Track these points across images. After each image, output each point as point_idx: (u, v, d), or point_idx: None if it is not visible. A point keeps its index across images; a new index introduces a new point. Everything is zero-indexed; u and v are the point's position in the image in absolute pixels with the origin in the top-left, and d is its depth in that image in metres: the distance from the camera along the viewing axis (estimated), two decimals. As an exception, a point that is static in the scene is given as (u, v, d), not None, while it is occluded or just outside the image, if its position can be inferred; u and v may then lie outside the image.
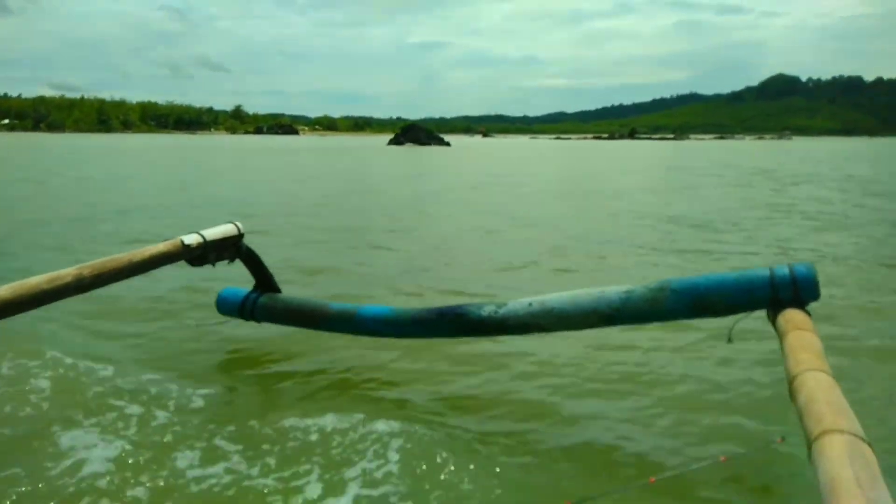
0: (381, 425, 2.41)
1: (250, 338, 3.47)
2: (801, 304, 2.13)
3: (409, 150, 45.14)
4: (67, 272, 2.30)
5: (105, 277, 2.47)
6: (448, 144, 56.23)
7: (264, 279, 3.32)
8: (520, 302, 2.58)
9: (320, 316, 3.10)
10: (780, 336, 1.98)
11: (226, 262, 3.14)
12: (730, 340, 2.37)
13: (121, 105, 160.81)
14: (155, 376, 2.91)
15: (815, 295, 2.15)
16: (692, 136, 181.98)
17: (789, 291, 2.13)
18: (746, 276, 2.26)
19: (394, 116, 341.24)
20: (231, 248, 3.10)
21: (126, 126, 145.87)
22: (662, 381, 2.97)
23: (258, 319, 3.28)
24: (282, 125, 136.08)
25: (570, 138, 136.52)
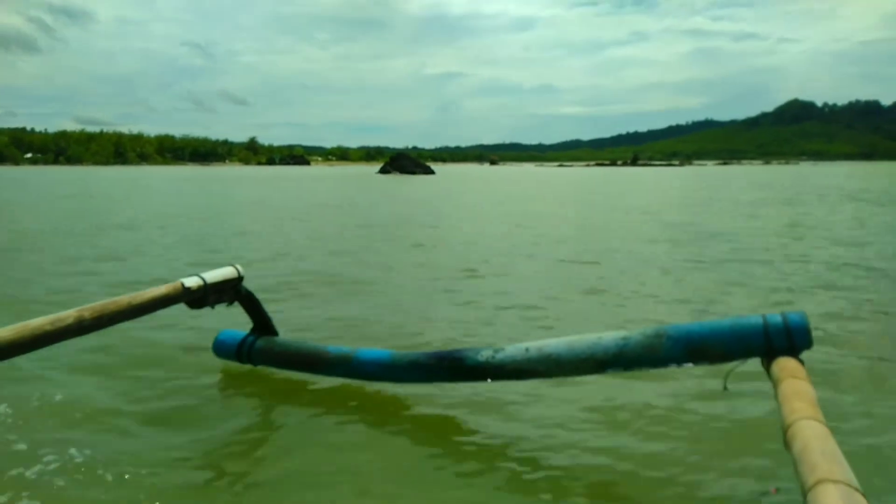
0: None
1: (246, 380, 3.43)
2: (794, 352, 2.13)
3: (392, 179, 46.31)
4: (69, 314, 2.34)
5: (106, 319, 2.48)
6: (433, 173, 57.69)
7: (262, 322, 3.33)
8: (517, 347, 2.60)
9: (318, 359, 3.11)
10: (775, 384, 1.98)
11: (224, 304, 3.15)
12: (725, 388, 2.36)
13: (138, 138, 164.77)
14: (144, 424, 2.88)
15: (807, 343, 2.14)
16: (696, 161, 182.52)
17: (783, 339, 2.13)
18: (741, 324, 2.25)
19: (410, 146, 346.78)
20: (230, 290, 3.12)
21: (143, 158, 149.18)
22: (645, 430, 2.88)
23: (255, 363, 3.28)
24: (293, 156, 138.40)
25: (572, 165, 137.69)
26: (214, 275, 3.02)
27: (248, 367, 3.36)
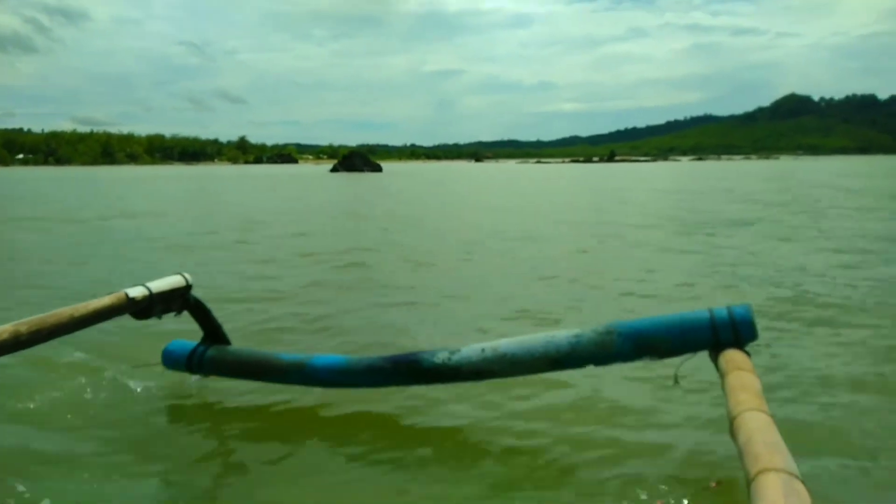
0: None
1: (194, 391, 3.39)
2: (740, 344, 2.20)
3: (334, 177, 47.85)
4: (3, 329, 2.30)
5: (45, 333, 2.45)
6: (380, 170, 59.88)
7: (213, 331, 3.27)
8: (473, 348, 2.64)
9: (271, 367, 3.06)
10: (722, 376, 2.04)
11: (172, 314, 3.11)
12: (676, 382, 2.43)
13: (128, 138, 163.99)
14: (89, 439, 2.80)
15: (753, 335, 2.22)
16: (671, 157, 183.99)
17: (729, 332, 2.20)
18: (688, 319, 2.33)
19: (408, 143, 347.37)
20: (178, 299, 3.07)
21: (132, 158, 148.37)
22: (595, 423, 2.95)
23: (206, 373, 3.23)
24: (281, 154, 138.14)
25: (549, 162, 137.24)
26: (161, 284, 2.96)
27: (198, 377, 3.29)
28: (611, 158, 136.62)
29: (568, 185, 32.41)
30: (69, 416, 3.05)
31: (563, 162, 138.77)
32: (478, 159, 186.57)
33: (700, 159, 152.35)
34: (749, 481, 1.32)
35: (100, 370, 3.61)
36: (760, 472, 1.29)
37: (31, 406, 3.14)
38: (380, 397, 3.11)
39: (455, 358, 2.63)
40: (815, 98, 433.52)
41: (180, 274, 3.10)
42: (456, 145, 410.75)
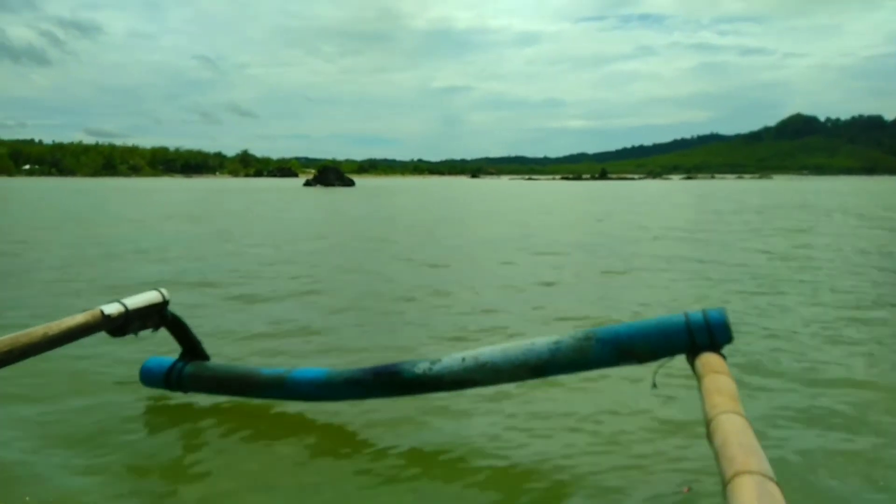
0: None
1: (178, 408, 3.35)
2: (716, 347, 2.22)
3: (307, 191, 49.45)
4: None
5: (17, 353, 2.42)
6: (353, 185, 62.12)
7: (191, 346, 3.24)
8: (453, 357, 2.64)
9: (251, 382, 3.05)
10: (698, 380, 2.06)
11: (150, 330, 3.07)
12: (654, 386, 2.42)
13: (132, 150, 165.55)
14: (64, 459, 2.76)
15: (727, 338, 2.23)
16: (664, 176, 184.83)
17: (704, 336, 2.23)
18: (665, 323, 2.34)
19: (415, 158, 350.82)
20: (155, 315, 3.03)
21: (134, 170, 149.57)
22: (574, 430, 2.99)
23: (185, 390, 3.20)
24: (281, 168, 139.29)
25: (538, 179, 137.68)
26: (137, 300, 2.92)
27: (178, 395, 3.24)
28: (602, 176, 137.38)
29: (532, 202, 31.46)
30: (42, 438, 2.99)
31: (553, 179, 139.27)
32: (474, 175, 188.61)
33: (690, 178, 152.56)
34: (725, 484, 1.34)
35: (76, 390, 3.58)
36: (736, 474, 1.31)
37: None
38: (364, 408, 3.10)
39: (436, 368, 2.63)
40: (822, 118, 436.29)
41: (157, 289, 3.05)
42: (462, 161, 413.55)
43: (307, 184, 62.89)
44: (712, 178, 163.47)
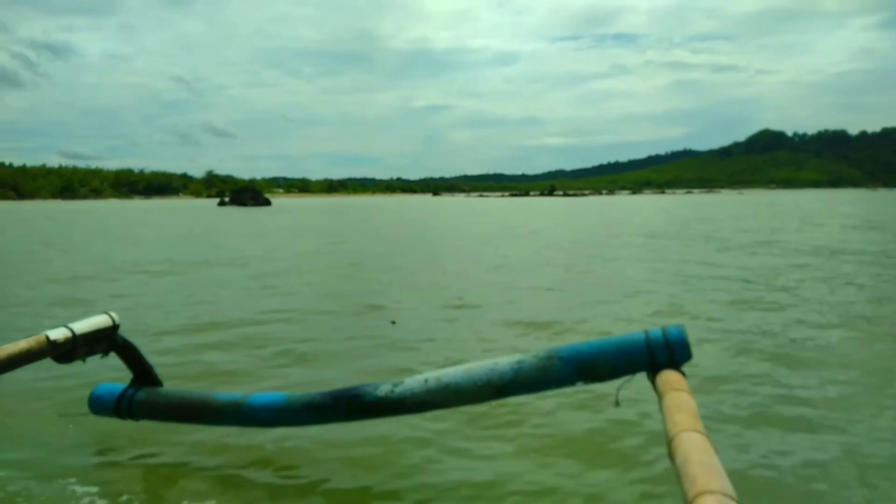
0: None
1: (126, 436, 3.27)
2: (675, 364, 2.21)
3: (216, 211, 50.84)
4: None
5: None
6: (269, 204, 64.25)
7: (143, 372, 3.14)
8: (416, 379, 2.60)
9: (206, 409, 2.95)
10: (659, 397, 2.02)
11: (98, 356, 3.01)
12: (617, 404, 2.41)
13: (96, 173, 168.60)
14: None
15: (687, 355, 2.23)
16: (616, 192, 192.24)
17: (664, 353, 2.23)
18: (625, 341, 2.33)
19: (395, 177, 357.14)
20: (104, 340, 2.97)
21: (96, 193, 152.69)
22: (536, 449, 3.08)
23: (136, 417, 3.09)
24: (246, 188, 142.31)
25: (489, 196, 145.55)
26: (85, 325, 2.86)
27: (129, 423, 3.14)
28: (550, 192, 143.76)
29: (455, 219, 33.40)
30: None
31: (503, 195, 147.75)
32: (435, 193, 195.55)
33: (634, 193, 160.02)
34: None
35: (20, 420, 3.52)
36: (698, 495, 1.31)
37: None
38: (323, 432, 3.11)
39: (398, 390, 2.58)
40: (789, 133, 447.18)
41: (107, 313, 3.00)
42: (441, 178, 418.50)
43: (221, 203, 65.39)
44: (662, 192, 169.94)
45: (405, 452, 3.14)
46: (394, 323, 6.15)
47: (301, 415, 2.77)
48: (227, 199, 67.34)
